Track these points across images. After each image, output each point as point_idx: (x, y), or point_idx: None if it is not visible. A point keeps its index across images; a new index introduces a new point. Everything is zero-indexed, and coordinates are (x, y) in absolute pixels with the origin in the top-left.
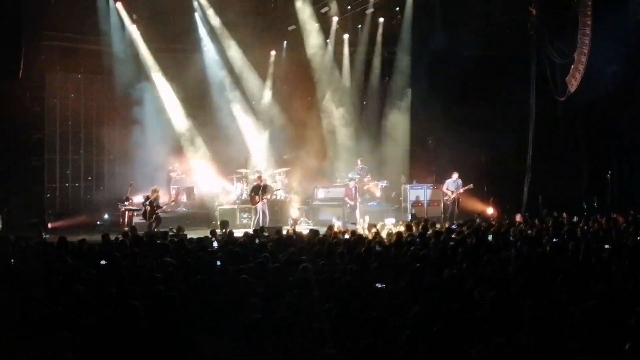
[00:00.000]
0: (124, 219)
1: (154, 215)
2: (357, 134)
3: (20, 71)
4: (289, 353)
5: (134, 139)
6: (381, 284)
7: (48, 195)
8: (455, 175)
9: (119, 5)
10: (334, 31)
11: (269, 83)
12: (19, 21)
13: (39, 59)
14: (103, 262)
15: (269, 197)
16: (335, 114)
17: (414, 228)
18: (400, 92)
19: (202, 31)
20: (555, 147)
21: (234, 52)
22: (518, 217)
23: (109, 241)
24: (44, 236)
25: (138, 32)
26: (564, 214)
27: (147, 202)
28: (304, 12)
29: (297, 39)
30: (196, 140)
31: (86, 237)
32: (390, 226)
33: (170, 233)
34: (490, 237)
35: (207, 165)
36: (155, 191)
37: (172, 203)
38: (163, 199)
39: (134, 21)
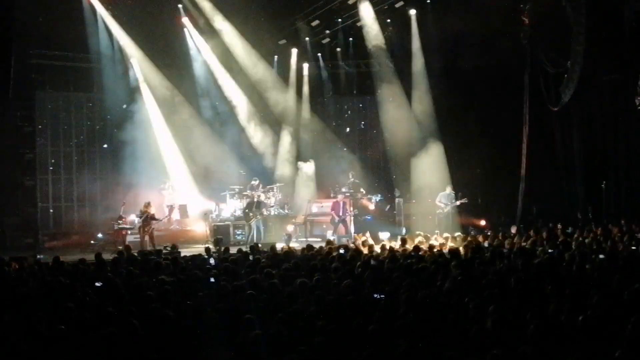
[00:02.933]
0: (118, 237)
1: (149, 229)
2: (350, 147)
3: (10, 90)
4: None
5: (126, 157)
6: (379, 295)
7: (41, 215)
8: (448, 189)
9: (108, 22)
10: (325, 44)
11: (261, 97)
12: (8, 40)
13: (28, 77)
14: (98, 283)
15: (263, 213)
16: (327, 127)
17: (408, 242)
18: (390, 104)
19: (193, 47)
20: (550, 158)
21: (225, 66)
22: (513, 229)
23: (102, 260)
24: (38, 256)
25: (127, 50)
26: (559, 225)
27: (142, 218)
28: (295, 25)
29: (288, 52)
30: (188, 155)
31: (82, 257)
32: (384, 240)
33: (165, 251)
34: (486, 244)
35: (199, 182)
36: (147, 205)
37: (166, 219)
38: (157, 213)
39: (123, 38)
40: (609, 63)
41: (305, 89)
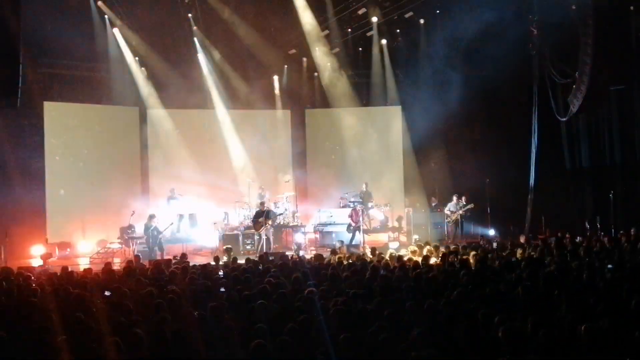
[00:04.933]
0: (127, 247)
1: (159, 241)
2: (362, 157)
3: (18, 100)
4: None
5: (135, 167)
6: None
7: (50, 224)
8: (455, 199)
9: (117, 31)
10: (335, 53)
11: (272, 107)
12: (16, 49)
13: (36, 87)
14: (107, 293)
15: (272, 222)
16: (339, 136)
17: (417, 251)
18: (400, 113)
19: (202, 59)
20: (558, 168)
21: (235, 77)
22: (522, 239)
23: (111, 270)
24: (47, 267)
25: (137, 59)
26: (567, 235)
27: (150, 230)
28: (305, 35)
29: (298, 62)
30: (198, 166)
31: (88, 267)
32: (394, 250)
33: (174, 261)
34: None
35: (209, 191)
36: (151, 217)
37: (171, 224)
38: (162, 224)
39: (133, 48)
40: (617, 73)
41: (316, 97)
